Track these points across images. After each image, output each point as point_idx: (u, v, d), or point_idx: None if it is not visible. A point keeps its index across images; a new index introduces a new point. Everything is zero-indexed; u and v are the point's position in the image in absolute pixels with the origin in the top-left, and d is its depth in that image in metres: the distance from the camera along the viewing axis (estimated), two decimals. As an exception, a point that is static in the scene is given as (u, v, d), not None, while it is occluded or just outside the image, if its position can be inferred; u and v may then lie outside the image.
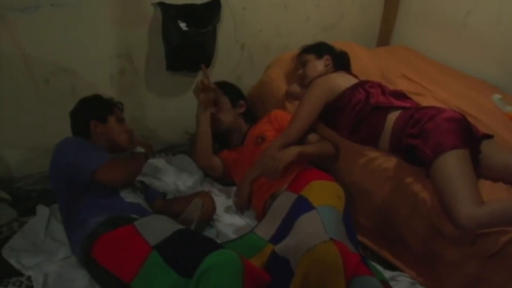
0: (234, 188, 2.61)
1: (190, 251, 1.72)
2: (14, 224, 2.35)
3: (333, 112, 2.46)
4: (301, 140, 2.45)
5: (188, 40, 2.68)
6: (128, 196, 2.16)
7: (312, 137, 2.49)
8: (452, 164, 1.97)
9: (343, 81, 2.49)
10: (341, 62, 2.68)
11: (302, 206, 2.02)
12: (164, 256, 1.72)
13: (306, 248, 1.77)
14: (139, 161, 2.26)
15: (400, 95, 2.47)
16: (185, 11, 2.69)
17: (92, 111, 2.31)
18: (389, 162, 2.27)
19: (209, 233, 2.30)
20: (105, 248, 1.85)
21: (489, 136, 2.22)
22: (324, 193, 2.11)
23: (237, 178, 2.58)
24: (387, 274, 2.12)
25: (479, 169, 2.13)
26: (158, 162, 2.84)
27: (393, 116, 2.29)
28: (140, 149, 2.29)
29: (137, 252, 1.76)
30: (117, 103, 2.43)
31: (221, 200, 2.53)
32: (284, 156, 2.26)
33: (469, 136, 2.10)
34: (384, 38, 3.83)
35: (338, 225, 1.97)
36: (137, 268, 1.72)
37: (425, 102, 2.62)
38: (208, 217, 2.33)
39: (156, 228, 1.87)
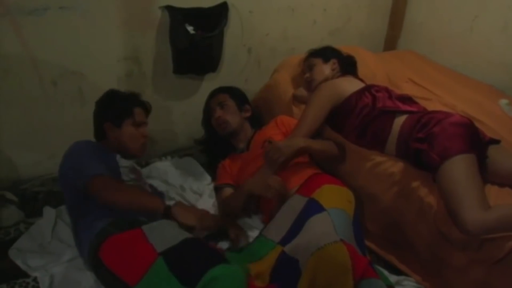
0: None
1: (196, 261, 1.70)
2: (21, 225, 2.36)
3: (340, 116, 2.46)
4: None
5: (195, 44, 2.69)
6: None
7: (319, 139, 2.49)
8: (459, 169, 1.97)
9: (349, 85, 2.49)
10: (347, 66, 2.68)
11: (313, 208, 2.01)
12: (169, 263, 1.70)
13: (316, 248, 1.76)
14: (146, 201, 2.01)
15: (407, 99, 2.46)
16: (193, 15, 2.69)
17: (108, 113, 2.28)
18: (396, 166, 2.27)
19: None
20: (112, 250, 1.84)
21: (496, 141, 2.21)
22: (335, 196, 2.10)
23: (242, 182, 2.57)
24: (393, 278, 2.11)
25: (486, 174, 2.12)
26: (164, 165, 2.84)
27: (399, 120, 2.29)
28: (172, 203, 2.01)
29: (143, 257, 1.75)
30: (144, 103, 2.39)
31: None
32: (286, 149, 2.24)
33: (476, 141, 2.09)
34: (390, 42, 3.84)
35: (348, 228, 1.97)
36: (142, 273, 1.72)
37: (431, 106, 2.61)
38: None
39: (165, 234, 1.85)
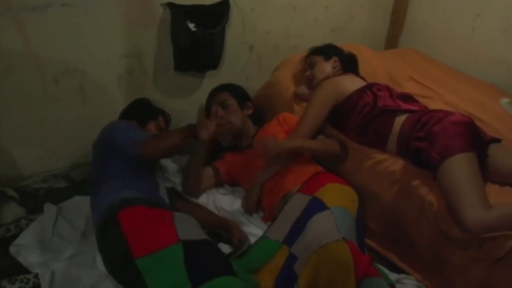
0: (239, 188, 2.62)
1: (209, 264, 1.71)
2: (21, 222, 2.37)
3: (341, 115, 2.46)
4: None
5: (196, 41, 2.68)
6: (163, 194, 2.21)
7: (321, 136, 2.50)
8: (459, 167, 1.97)
9: (351, 83, 2.49)
10: (349, 64, 2.68)
11: (315, 206, 2.02)
12: (187, 254, 1.70)
13: (318, 246, 1.77)
14: (176, 134, 2.17)
15: (408, 98, 2.46)
16: (194, 12, 2.69)
17: (135, 112, 2.45)
18: (396, 164, 2.27)
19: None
20: (135, 216, 1.84)
21: (497, 140, 2.21)
22: (338, 195, 2.11)
23: (244, 180, 2.57)
24: (393, 276, 2.11)
25: (487, 173, 2.12)
26: (166, 162, 2.84)
27: (400, 119, 2.29)
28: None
29: (163, 235, 1.76)
30: (165, 114, 2.57)
31: (228, 201, 2.53)
32: (279, 147, 2.27)
33: (476, 140, 2.09)
34: (392, 41, 3.83)
35: (350, 226, 1.97)
36: (153, 249, 1.71)
37: (433, 105, 2.61)
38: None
39: (191, 227, 1.88)
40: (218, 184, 2.64)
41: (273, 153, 2.26)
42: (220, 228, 2.28)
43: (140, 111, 2.47)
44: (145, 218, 1.84)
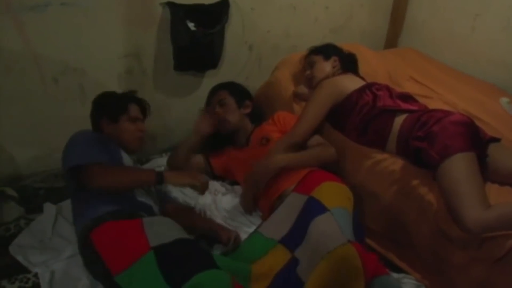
0: (239, 187, 2.62)
1: (185, 263, 1.69)
2: (21, 221, 2.36)
3: (340, 114, 2.46)
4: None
5: (196, 40, 2.69)
6: (141, 196, 2.15)
7: (314, 140, 2.46)
8: (459, 167, 1.96)
9: (350, 83, 2.49)
10: (348, 63, 2.68)
11: (315, 208, 2.00)
12: (159, 260, 1.69)
13: (325, 251, 1.75)
14: (137, 175, 2.14)
15: (408, 97, 2.46)
16: (194, 11, 2.70)
17: (104, 109, 2.31)
18: (396, 164, 2.27)
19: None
20: (105, 234, 1.84)
21: (496, 139, 2.21)
22: (335, 194, 2.10)
23: (241, 177, 2.58)
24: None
25: (486, 172, 2.12)
26: (165, 161, 2.84)
27: (400, 119, 2.29)
28: (160, 169, 2.21)
29: (134, 248, 1.75)
30: (140, 99, 2.43)
31: (228, 199, 2.53)
32: (264, 174, 2.30)
33: (476, 140, 2.09)
34: (392, 40, 3.83)
35: (350, 226, 1.96)
36: (128, 263, 1.71)
37: (432, 104, 2.61)
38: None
39: (162, 230, 1.85)
40: (207, 173, 2.68)
41: (263, 183, 2.31)
42: (208, 231, 2.26)
43: (107, 108, 2.30)
44: (116, 234, 1.83)
